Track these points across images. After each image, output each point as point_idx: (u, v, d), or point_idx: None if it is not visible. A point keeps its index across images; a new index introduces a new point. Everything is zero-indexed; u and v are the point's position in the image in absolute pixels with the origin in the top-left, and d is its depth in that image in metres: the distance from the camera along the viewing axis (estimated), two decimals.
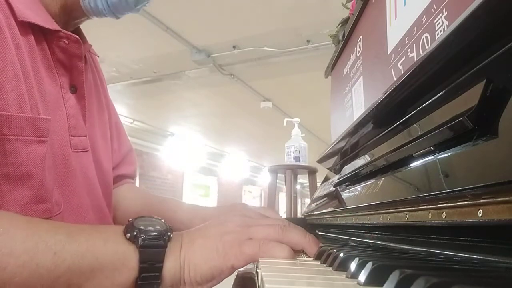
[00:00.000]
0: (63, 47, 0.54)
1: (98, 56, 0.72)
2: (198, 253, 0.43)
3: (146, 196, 0.79)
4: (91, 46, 0.63)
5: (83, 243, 0.39)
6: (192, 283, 0.42)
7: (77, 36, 0.55)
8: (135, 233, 0.41)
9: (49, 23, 0.51)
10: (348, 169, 0.71)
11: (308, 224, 1.04)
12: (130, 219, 0.43)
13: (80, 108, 0.58)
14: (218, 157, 9.49)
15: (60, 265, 0.37)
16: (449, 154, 0.32)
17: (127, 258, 0.40)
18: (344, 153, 0.83)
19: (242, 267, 0.45)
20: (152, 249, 0.41)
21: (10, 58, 0.45)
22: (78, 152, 0.57)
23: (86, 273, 0.38)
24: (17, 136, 0.44)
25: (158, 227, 0.43)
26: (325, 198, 0.92)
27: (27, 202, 0.45)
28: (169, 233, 0.43)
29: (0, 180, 0.43)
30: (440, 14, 0.53)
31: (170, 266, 0.42)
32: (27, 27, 0.49)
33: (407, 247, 0.46)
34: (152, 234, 0.41)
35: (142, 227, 0.42)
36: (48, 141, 0.48)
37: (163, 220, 0.44)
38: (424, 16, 0.59)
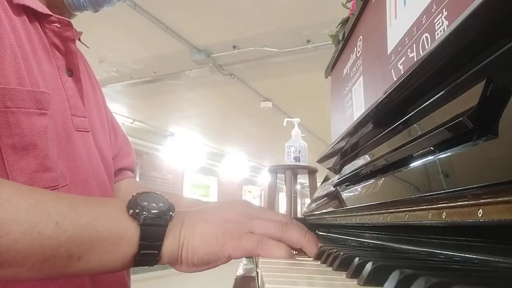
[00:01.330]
0: (56, 31, 0.55)
1: (88, 47, 0.73)
2: (198, 237, 0.43)
3: (148, 190, 0.80)
4: (82, 33, 0.64)
5: (85, 215, 0.39)
6: (189, 263, 0.43)
7: (68, 20, 0.56)
8: (137, 210, 0.42)
9: (42, 8, 0.53)
10: (348, 169, 0.71)
11: (308, 224, 1.04)
12: (134, 194, 0.44)
13: (77, 90, 0.59)
14: (218, 157, 9.49)
15: (61, 235, 0.37)
16: (449, 154, 0.32)
17: (128, 234, 0.41)
18: (344, 153, 0.83)
19: (238, 258, 0.45)
20: (153, 227, 0.42)
21: (7, 37, 0.46)
22: (80, 131, 0.58)
23: (86, 245, 0.39)
24: (19, 108, 0.46)
25: (161, 204, 0.43)
26: (325, 198, 0.92)
27: (33, 170, 0.47)
28: (171, 212, 0.43)
29: (7, 150, 0.45)
30: (440, 14, 0.53)
31: (169, 245, 0.42)
32: (21, 11, 0.50)
33: (407, 247, 0.46)
34: (154, 212, 0.42)
35: (145, 203, 0.42)
36: (49, 114, 0.49)
37: (166, 197, 0.45)
38: (424, 16, 0.59)
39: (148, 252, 0.41)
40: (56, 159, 0.50)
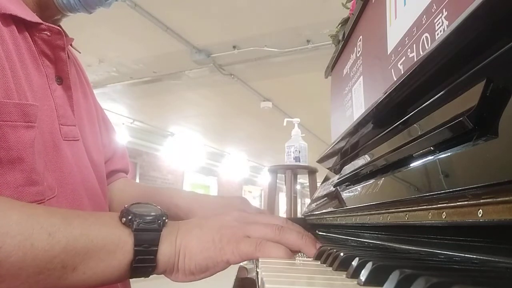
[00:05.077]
0: (45, 39, 0.54)
1: (80, 52, 0.72)
2: (195, 242, 0.43)
3: (143, 188, 0.79)
4: (73, 39, 0.63)
5: (78, 226, 0.39)
6: (186, 271, 0.43)
7: (58, 28, 0.55)
8: (130, 217, 0.42)
9: (31, 16, 0.52)
10: (348, 169, 0.71)
11: (308, 224, 1.04)
12: (125, 205, 0.44)
13: (67, 98, 0.59)
14: (218, 157, 9.49)
15: (55, 246, 0.37)
16: (449, 154, 0.32)
17: (122, 241, 0.41)
18: (344, 153, 0.83)
19: (236, 263, 0.45)
20: (147, 232, 0.42)
21: None
22: (68, 140, 0.57)
23: (81, 254, 0.38)
24: (5, 121, 0.45)
25: (153, 213, 0.43)
26: (325, 198, 0.92)
27: (19, 184, 0.46)
28: (164, 218, 0.44)
29: None
30: (440, 14, 0.53)
31: (165, 251, 0.42)
32: (9, 20, 0.49)
33: (407, 247, 0.46)
34: (147, 218, 0.42)
35: (137, 212, 0.43)
36: (36, 127, 0.49)
37: (158, 207, 0.45)
38: (424, 16, 0.59)
39: (144, 258, 0.41)
40: (43, 172, 0.49)
